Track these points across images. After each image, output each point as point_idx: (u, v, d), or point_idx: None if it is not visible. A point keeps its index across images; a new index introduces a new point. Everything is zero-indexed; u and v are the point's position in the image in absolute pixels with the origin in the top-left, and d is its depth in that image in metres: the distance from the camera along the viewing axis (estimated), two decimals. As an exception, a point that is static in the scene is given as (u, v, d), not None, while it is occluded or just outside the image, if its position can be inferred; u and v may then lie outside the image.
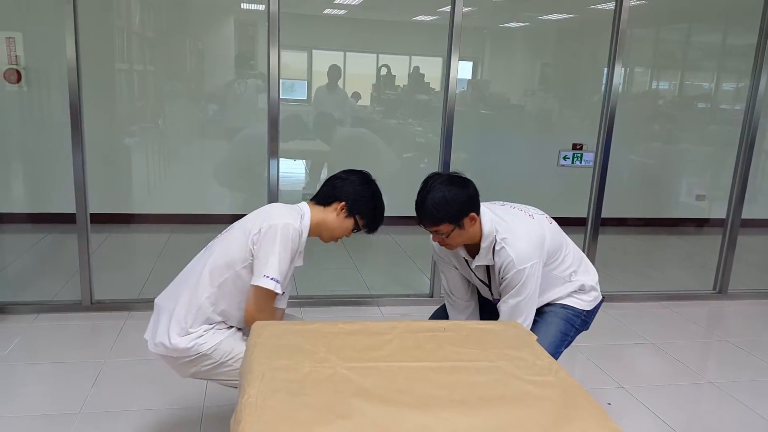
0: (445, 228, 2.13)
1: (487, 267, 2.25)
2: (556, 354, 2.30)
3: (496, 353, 1.69)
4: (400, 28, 5.49)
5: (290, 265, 2.06)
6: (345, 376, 1.52)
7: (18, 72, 4.19)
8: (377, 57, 5.40)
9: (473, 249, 2.24)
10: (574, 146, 4.12)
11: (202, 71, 5.27)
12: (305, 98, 5.21)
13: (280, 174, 3.69)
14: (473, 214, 2.13)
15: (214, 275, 2.05)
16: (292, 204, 2.21)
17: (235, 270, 2.04)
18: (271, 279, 1.98)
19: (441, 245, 2.27)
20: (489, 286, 2.33)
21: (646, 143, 6.00)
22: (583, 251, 4.11)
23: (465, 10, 3.63)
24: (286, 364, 1.56)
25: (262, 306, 2.03)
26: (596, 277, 2.46)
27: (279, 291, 2.00)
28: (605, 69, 3.96)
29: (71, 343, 3.26)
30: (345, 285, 4.30)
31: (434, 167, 3.94)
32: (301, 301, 3.85)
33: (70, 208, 3.49)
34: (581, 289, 2.38)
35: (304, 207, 2.19)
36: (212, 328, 2.07)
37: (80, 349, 3.20)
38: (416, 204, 2.18)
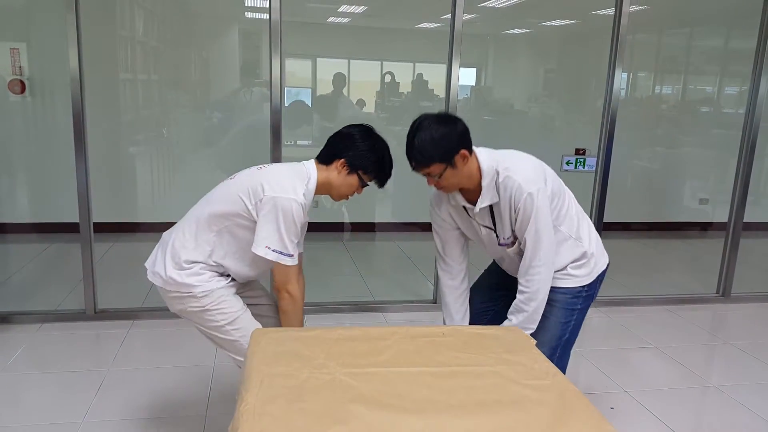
0: (436, 168, 2.05)
1: (491, 209, 2.17)
2: (564, 343, 2.26)
3: (494, 358, 1.69)
4: (404, 35, 5.52)
5: (300, 232, 2.10)
6: (343, 382, 1.52)
7: (22, 82, 4.24)
8: (381, 64, 5.43)
9: (472, 195, 2.16)
10: (577, 151, 4.13)
11: (206, 80, 5.31)
12: (310, 106, 5.23)
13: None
14: (464, 151, 2.05)
15: (212, 221, 2.09)
16: (301, 164, 2.18)
17: (233, 221, 2.07)
18: (277, 252, 2.00)
19: (438, 188, 2.18)
20: (494, 230, 2.21)
21: (650, 147, 6.00)
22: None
23: (467, 17, 3.65)
24: (285, 370, 1.56)
25: (287, 278, 2.09)
26: (597, 240, 2.32)
27: (286, 263, 2.03)
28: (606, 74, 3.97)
29: (75, 352, 3.27)
30: (349, 292, 4.30)
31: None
32: (305, 308, 3.85)
33: (73, 217, 3.52)
34: (580, 258, 2.24)
35: (311, 168, 2.16)
36: (208, 271, 2.11)
37: (84, 358, 3.22)
38: (406, 146, 2.08)
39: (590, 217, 3.99)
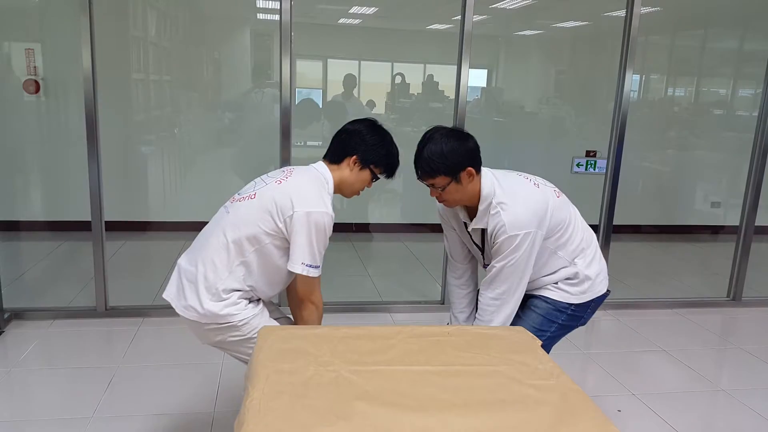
0: (441, 181, 2.08)
1: (483, 231, 2.21)
2: None
3: (498, 357, 1.70)
4: (414, 36, 5.53)
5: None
6: (348, 379, 1.53)
7: (36, 83, 4.30)
8: (392, 65, 5.44)
9: (473, 212, 2.19)
10: (588, 153, 4.12)
11: (218, 81, 5.35)
12: (319, 105, 5.26)
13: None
14: (471, 168, 2.07)
15: (244, 245, 2.01)
16: (315, 170, 2.15)
17: (262, 245, 2.01)
18: (308, 266, 1.99)
19: (439, 201, 2.21)
20: (483, 252, 2.27)
21: (662, 150, 5.97)
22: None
23: (477, 18, 3.65)
24: (291, 367, 1.58)
25: (312, 289, 2.07)
26: (599, 268, 2.31)
27: (315, 275, 2.02)
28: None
29: (86, 348, 3.31)
30: (356, 292, 4.32)
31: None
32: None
33: (86, 215, 3.55)
34: (574, 278, 2.24)
35: (326, 172, 2.14)
36: (244, 299, 2.06)
37: (94, 354, 3.26)
38: (415, 155, 2.13)
39: (600, 220, 4.05)
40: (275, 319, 2.22)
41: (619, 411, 2.87)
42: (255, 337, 2.00)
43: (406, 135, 5.58)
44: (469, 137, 2.13)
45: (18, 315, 3.57)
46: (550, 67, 5.91)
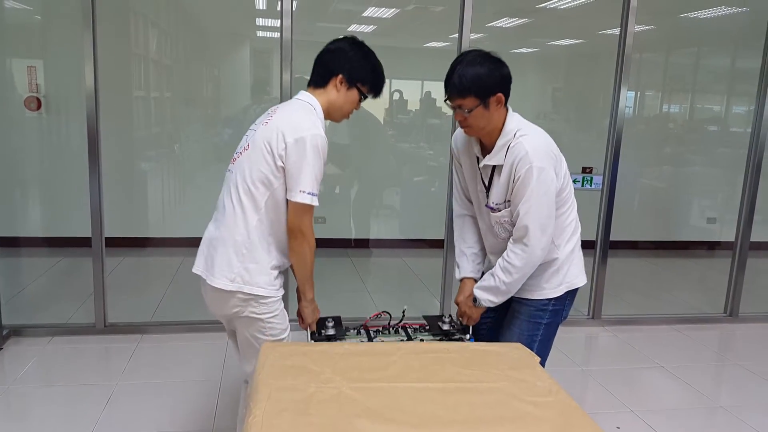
0: (470, 102, 1.99)
1: (492, 171, 2.12)
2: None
3: (498, 374, 1.71)
4: (412, 54, 5.59)
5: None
6: (349, 396, 1.54)
7: (38, 99, 4.33)
8: (390, 82, 5.49)
9: (486, 150, 2.13)
10: (584, 169, 4.15)
11: (218, 97, 5.39)
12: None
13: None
14: (501, 94, 2.01)
15: (254, 200, 1.96)
16: (299, 100, 2.07)
17: (273, 190, 1.96)
18: (308, 193, 1.91)
19: (462, 126, 2.10)
20: (488, 191, 2.16)
21: (658, 166, 6.02)
22: (592, 274, 4.15)
23: (474, 36, 3.70)
24: (292, 384, 1.59)
25: (303, 218, 1.97)
26: (580, 259, 2.26)
27: (316, 203, 1.94)
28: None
29: (84, 365, 3.31)
30: (356, 308, 4.32)
31: (445, 190, 3.98)
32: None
33: (86, 231, 3.57)
34: (552, 265, 2.17)
35: (311, 99, 2.05)
36: (272, 268, 2.02)
37: (93, 371, 3.25)
38: (447, 74, 2.03)
39: (597, 236, 4.07)
40: None
41: (618, 428, 2.88)
42: (271, 323, 2.03)
43: (405, 151, 5.62)
44: (504, 64, 2.05)
45: (16, 332, 3.57)
46: (546, 84, 5.98)
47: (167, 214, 5.34)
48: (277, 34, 3.55)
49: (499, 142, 2.06)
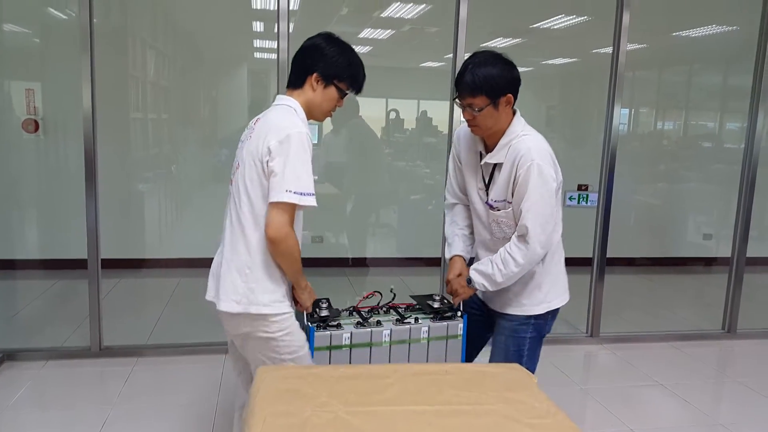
0: (480, 101, 2.04)
1: (492, 169, 2.16)
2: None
3: (495, 396, 1.70)
4: (408, 74, 5.63)
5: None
6: (345, 420, 1.53)
7: (36, 122, 4.34)
8: (386, 101, 5.53)
9: (489, 149, 2.17)
10: (580, 187, 4.17)
11: (215, 118, 5.42)
12: (316, 141, 5.31)
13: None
14: (510, 95, 2.07)
15: (256, 217, 1.92)
16: (277, 105, 2.02)
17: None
18: (294, 193, 1.85)
19: (469, 125, 2.14)
20: (487, 189, 2.20)
21: (653, 183, 6.04)
22: (590, 291, 4.15)
23: (468, 56, 3.73)
24: (288, 409, 1.58)
25: (287, 221, 1.88)
26: (563, 277, 2.30)
27: (314, 203, 1.89)
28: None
29: (79, 389, 3.28)
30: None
31: (441, 208, 3.98)
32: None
33: (82, 253, 3.56)
34: (534, 278, 2.21)
35: (290, 101, 2.00)
36: (279, 286, 1.98)
37: (88, 396, 3.22)
38: (458, 73, 2.07)
39: (593, 253, 4.08)
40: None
41: (618, 447, 2.86)
42: (285, 340, 1.98)
43: (401, 169, 5.64)
44: (515, 66, 2.11)
45: (11, 356, 3.54)
46: (541, 102, 6.02)
47: (164, 235, 5.34)
48: (274, 56, 3.58)
49: (503, 141, 2.11)
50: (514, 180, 2.06)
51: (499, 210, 2.15)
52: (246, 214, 1.94)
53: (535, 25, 5.46)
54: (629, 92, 5.61)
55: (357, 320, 2.18)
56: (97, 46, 3.40)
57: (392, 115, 5.56)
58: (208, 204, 5.18)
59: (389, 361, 2.17)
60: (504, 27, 5.44)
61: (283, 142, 1.86)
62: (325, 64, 1.98)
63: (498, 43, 5.52)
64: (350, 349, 2.12)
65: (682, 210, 6.16)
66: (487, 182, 2.19)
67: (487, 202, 2.19)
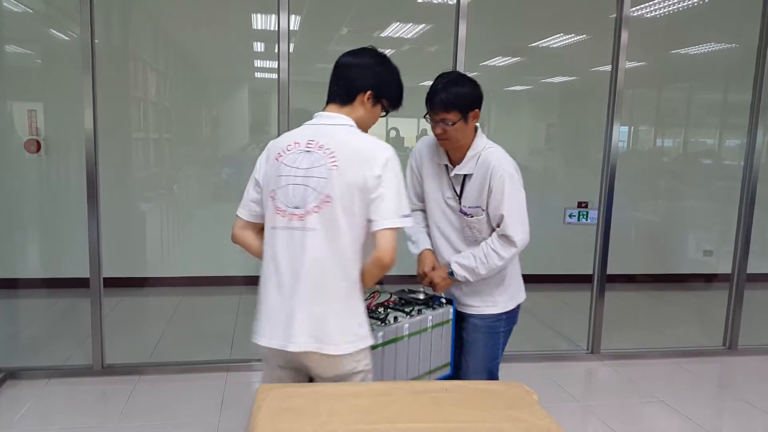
0: (453, 116, 2.23)
1: (463, 179, 2.35)
2: (497, 364, 2.47)
3: (497, 414, 1.70)
4: (408, 92, 5.67)
5: None
6: (347, 439, 1.54)
7: (38, 142, 4.38)
8: (386, 120, 5.57)
9: (455, 160, 2.37)
10: (580, 204, 4.18)
11: (216, 137, 5.46)
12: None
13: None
14: (477, 110, 2.28)
15: (356, 247, 1.85)
16: (338, 125, 1.91)
17: (368, 230, 1.85)
18: (405, 216, 1.84)
19: (440, 139, 2.31)
20: (460, 198, 2.37)
21: (653, 199, 6.06)
22: (590, 307, 4.16)
23: (468, 75, 3.77)
24: (289, 427, 1.58)
25: (396, 244, 1.83)
26: (519, 274, 2.52)
27: (409, 224, 1.88)
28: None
29: (81, 407, 3.28)
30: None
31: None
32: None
33: (84, 272, 3.57)
34: (505, 278, 2.44)
35: (345, 119, 1.93)
36: (366, 317, 1.94)
37: (90, 414, 3.22)
38: (432, 91, 2.27)
39: (593, 269, 4.09)
40: None
41: (620, 465, 2.85)
42: (369, 366, 1.95)
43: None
44: (479, 85, 2.31)
45: (13, 374, 3.54)
46: (541, 120, 6.06)
47: (165, 254, 5.35)
48: (274, 76, 3.62)
49: (470, 154, 2.33)
50: (489, 189, 2.28)
51: (472, 216, 2.34)
52: (346, 248, 1.84)
53: (534, 44, 5.52)
54: (628, 110, 5.66)
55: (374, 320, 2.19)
56: (98, 66, 3.44)
57: (392, 133, 5.59)
58: (209, 223, 5.21)
59: (408, 353, 2.24)
60: (503, 46, 5.50)
61: (386, 168, 1.83)
62: (379, 84, 1.96)
63: (497, 62, 5.58)
64: (383, 347, 2.14)
65: (682, 227, 6.17)
66: (459, 192, 2.37)
67: (461, 210, 2.37)
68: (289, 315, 1.86)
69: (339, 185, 1.82)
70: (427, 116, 2.30)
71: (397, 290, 2.48)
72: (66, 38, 4.79)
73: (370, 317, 2.14)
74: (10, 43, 4.73)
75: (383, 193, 1.81)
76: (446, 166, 2.39)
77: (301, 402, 1.74)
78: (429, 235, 2.52)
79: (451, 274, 2.36)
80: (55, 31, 4.88)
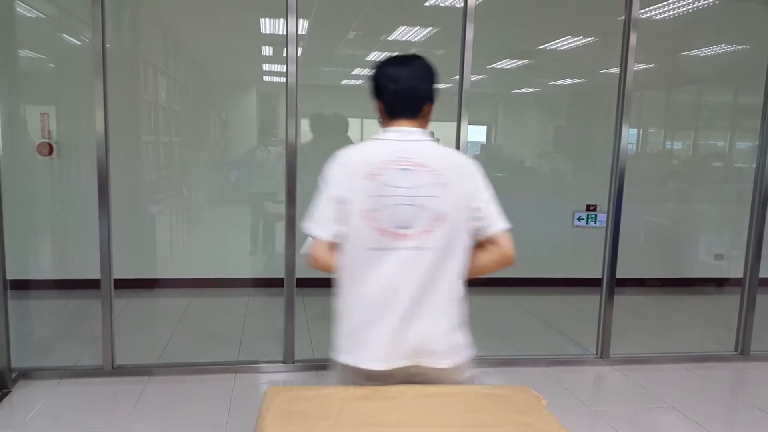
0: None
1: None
2: None
3: (504, 418, 1.70)
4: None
5: None
6: (354, 441, 1.54)
7: (50, 145, 4.42)
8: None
9: None
10: (588, 207, 4.17)
11: (225, 140, 5.49)
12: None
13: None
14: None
15: (462, 264, 1.88)
16: (428, 141, 1.90)
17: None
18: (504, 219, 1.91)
19: None
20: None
21: (663, 202, 6.03)
22: (599, 312, 4.14)
23: (475, 78, 3.78)
24: (297, 430, 1.59)
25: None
26: None
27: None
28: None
29: (91, 408, 3.30)
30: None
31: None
32: (317, 364, 3.85)
33: (95, 274, 3.60)
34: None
35: (427, 133, 1.91)
36: None
37: (100, 414, 3.24)
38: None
39: (602, 273, 4.07)
40: None
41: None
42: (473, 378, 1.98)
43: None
44: None
45: (25, 374, 3.58)
46: (548, 122, 6.05)
47: (175, 255, 5.39)
48: (282, 79, 3.64)
49: None
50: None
51: None
52: (456, 263, 1.86)
53: (541, 46, 5.51)
54: (637, 112, 5.64)
55: None
56: (109, 71, 3.46)
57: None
58: (218, 225, 5.24)
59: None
60: (510, 48, 5.50)
61: (480, 177, 1.89)
62: (434, 94, 1.93)
63: (505, 64, 5.58)
64: None
65: (692, 230, 6.14)
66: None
67: None
68: (400, 334, 1.83)
69: (451, 202, 1.83)
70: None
71: None
72: (78, 43, 4.84)
73: None
74: (23, 48, 4.78)
75: (486, 199, 1.88)
76: None
77: (310, 405, 1.75)
78: None
79: None
80: (67, 36, 4.93)
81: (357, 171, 1.83)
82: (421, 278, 1.82)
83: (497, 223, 1.87)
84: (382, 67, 1.93)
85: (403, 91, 1.89)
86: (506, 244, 1.88)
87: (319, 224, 1.83)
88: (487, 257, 1.90)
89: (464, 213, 1.84)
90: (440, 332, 1.87)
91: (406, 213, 1.81)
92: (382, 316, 1.83)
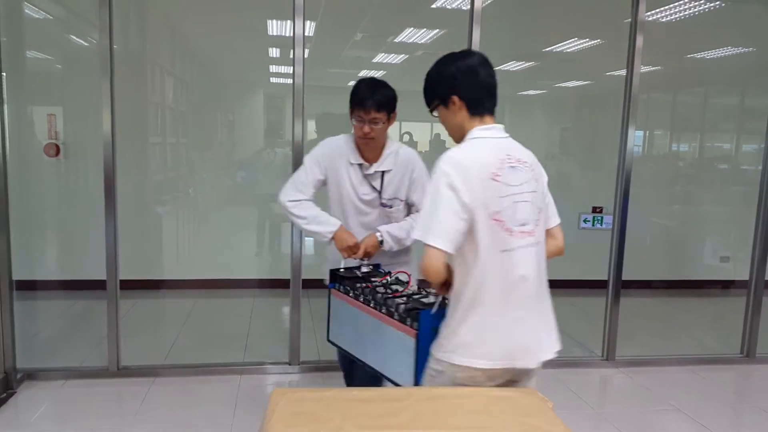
0: (382, 116, 2.49)
1: (382, 175, 2.60)
2: None
3: (510, 421, 1.70)
4: (421, 97, 5.67)
5: None
6: (360, 443, 1.54)
7: (57, 146, 4.44)
8: (400, 124, 5.58)
9: (371, 158, 2.61)
10: (594, 209, 4.16)
11: (232, 141, 5.51)
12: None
13: (303, 239, 3.78)
14: (395, 113, 2.56)
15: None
16: (510, 138, 1.94)
17: None
18: None
19: (367, 138, 2.51)
20: (380, 193, 2.62)
21: (669, 205, 6.01)
22: (605, 314, 4.13)
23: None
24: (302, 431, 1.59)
25: None
26: None
27: None
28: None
29: (97, 409, 3.31)
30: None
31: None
32: (323, 365, 3.85)
33: (101, 274, 3.61)
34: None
35: (495, 129, 1.93)
36: None
37: (105, 416, 3.25)
38: (362, 94, 2.48)
39: (608, 275, 4.06)
40: None
41: (635, 473, 2.82)
42: None
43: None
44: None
45: (31, 375, 3.59)
46: (555, 125, 6.04)
47: (181, 256, 5.40)
48: (289, 80, 3.64)
49: (386, 152, 2.61)
50: (411, 182, 2.61)
51: (392, 207, 2.64)
52: (545, 254, 1.95)
53: (548, 49, 5.50)
54: (643, 114, 5.62)
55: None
56: (116, 72, 3.48)
57: (405, 137, 5.61)
58: (224, 226, 5.25)
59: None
60: (516, 51, 5.49)
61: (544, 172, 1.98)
62: None
63: (511, 66, 5.57)
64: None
65: (698, 232, 6.11)
66: (379, 187, 2.62)
67: (381, 203, 2.64)
68: (536, 329, 1.91)
69: (542, 195, 1.93)
70: (356, 116, 2.50)
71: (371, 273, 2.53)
72: (85, 44, 4.86)
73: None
74: (31, 49, 4.80)
75: (549, 194, 1.98)
76: (360, 164, 2.61)
77: (315, 407, 1.75)
78: None
79: (381, 243, 2.56)
80: (74, 37, 4.95)
81: (479, 174, 1.78)
82: (542, 272, 1.91)
83: (556, 217, 2.00)
84: (452, 61, 1.96)
85: (488, 89, 1.93)
86: (561, 237, 2.01)
87: (442, 235, 1.75)
88: (547, 250, 1.97)
89: (545, 205, 1.94)
90: (552, 323, 1.96)
91: (522, 210, 1.83)
92: (519, 315, 1.85)
